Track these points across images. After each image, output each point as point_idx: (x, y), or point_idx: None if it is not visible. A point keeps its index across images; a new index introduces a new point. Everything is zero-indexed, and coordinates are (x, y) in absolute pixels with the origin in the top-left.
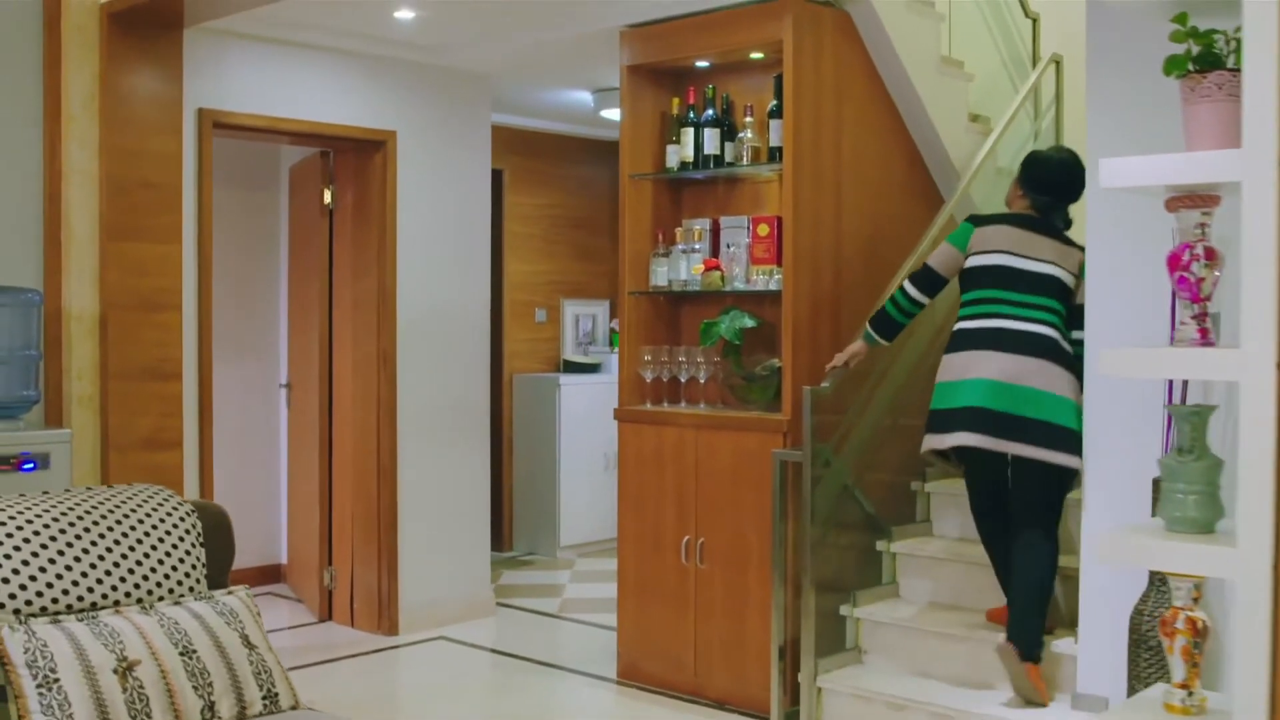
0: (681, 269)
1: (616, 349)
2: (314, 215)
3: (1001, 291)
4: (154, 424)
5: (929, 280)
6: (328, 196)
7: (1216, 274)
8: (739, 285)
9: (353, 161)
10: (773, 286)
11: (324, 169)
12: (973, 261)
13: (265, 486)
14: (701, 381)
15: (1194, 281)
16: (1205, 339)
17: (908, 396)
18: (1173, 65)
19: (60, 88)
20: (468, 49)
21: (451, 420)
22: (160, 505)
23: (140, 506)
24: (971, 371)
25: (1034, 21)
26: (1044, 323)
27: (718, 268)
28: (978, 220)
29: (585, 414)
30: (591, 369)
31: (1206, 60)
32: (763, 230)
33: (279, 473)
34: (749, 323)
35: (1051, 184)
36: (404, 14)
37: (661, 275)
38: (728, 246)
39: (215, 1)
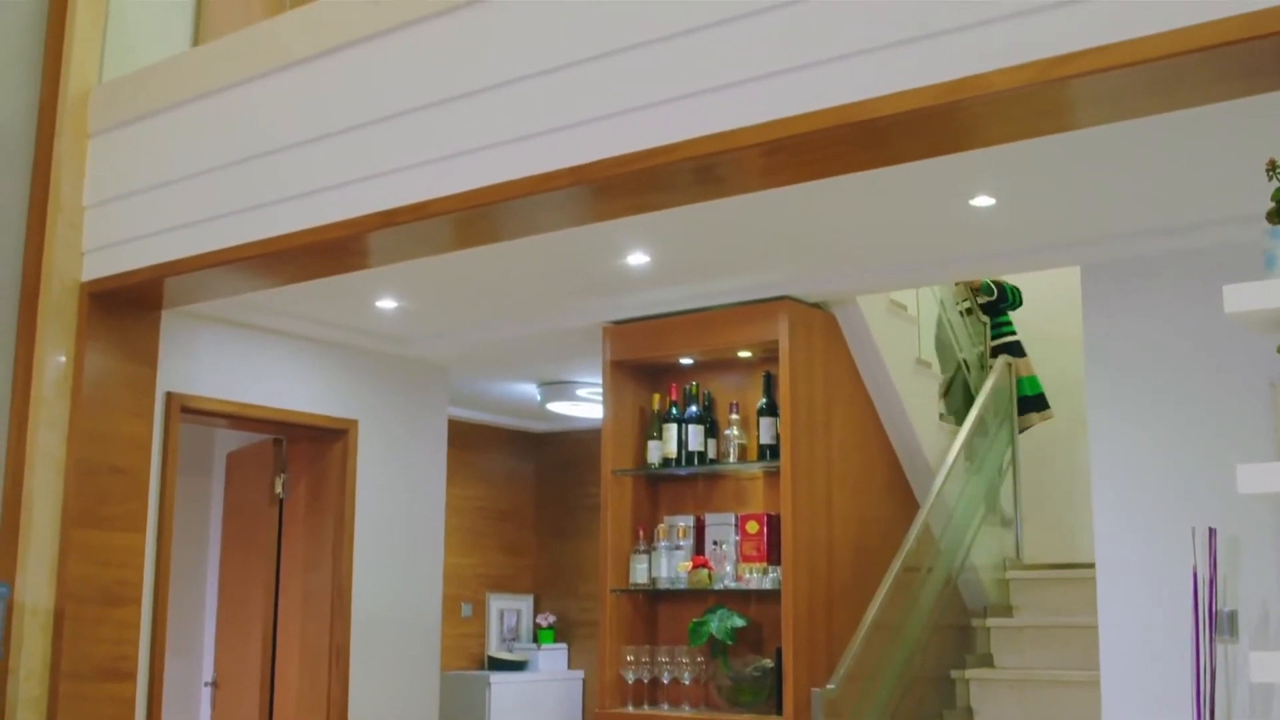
0: (664, 566)
1: (543, 645)
2: (260, 504)
3: None
4: None
5: None
6: (279, 485)
7: None
8: (729, 583)
9: (307, 449)
10: (767, 585)
11: (275, 456)
12: None
13: None
14: (685, 683)
15: None
16: None
17: (900, 699)
18: None
19: (32, 368)
20: (432, 340)
21: None
22: None
23: None
24: None
25: (985, 325)
26: None
27: (706, 565)
28: None
29: (514, 713)
30: (518, 666)
31: None
32: (752, 528)
33: None
34: (739, 622)
35: None
36: (386, 304)
37: (642, 572)
38: (714, 544)
39: (198, 287)
